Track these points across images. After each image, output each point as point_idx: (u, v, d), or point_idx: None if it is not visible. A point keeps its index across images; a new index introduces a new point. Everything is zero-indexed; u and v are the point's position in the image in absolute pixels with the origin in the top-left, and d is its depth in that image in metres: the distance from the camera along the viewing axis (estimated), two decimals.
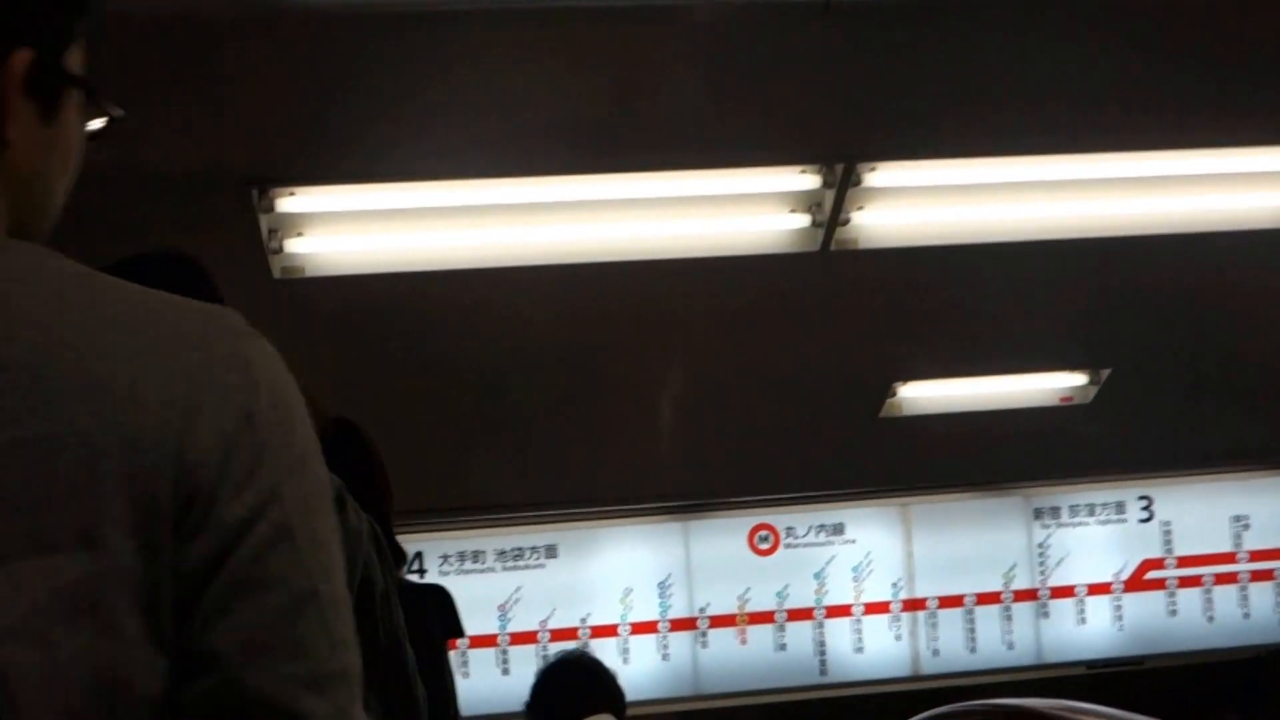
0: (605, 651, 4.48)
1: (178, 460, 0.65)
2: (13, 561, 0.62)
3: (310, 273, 3.19)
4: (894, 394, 4.14)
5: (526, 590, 4.51)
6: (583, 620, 4.53)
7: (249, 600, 0.66)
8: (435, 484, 3.91)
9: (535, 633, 4.50)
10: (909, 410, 4.20)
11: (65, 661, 0.62)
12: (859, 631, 4.66)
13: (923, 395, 4.21)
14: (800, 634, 4.63)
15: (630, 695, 4.51)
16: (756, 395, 3.96)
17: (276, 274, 3.17)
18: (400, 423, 3.46)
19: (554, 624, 4.51)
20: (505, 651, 4.49)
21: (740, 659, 4.59)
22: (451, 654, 4.48)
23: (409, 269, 3.27)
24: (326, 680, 0.67)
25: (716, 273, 3.46)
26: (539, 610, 4.51)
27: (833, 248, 3.37)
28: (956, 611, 4.72)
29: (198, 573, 0.65)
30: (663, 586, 4.57)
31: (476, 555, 4.50)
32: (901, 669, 4.68)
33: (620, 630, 4.54)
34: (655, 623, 4.57)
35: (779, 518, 4.65)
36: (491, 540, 4.51)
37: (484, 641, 4.48)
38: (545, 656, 4.49)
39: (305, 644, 0.66)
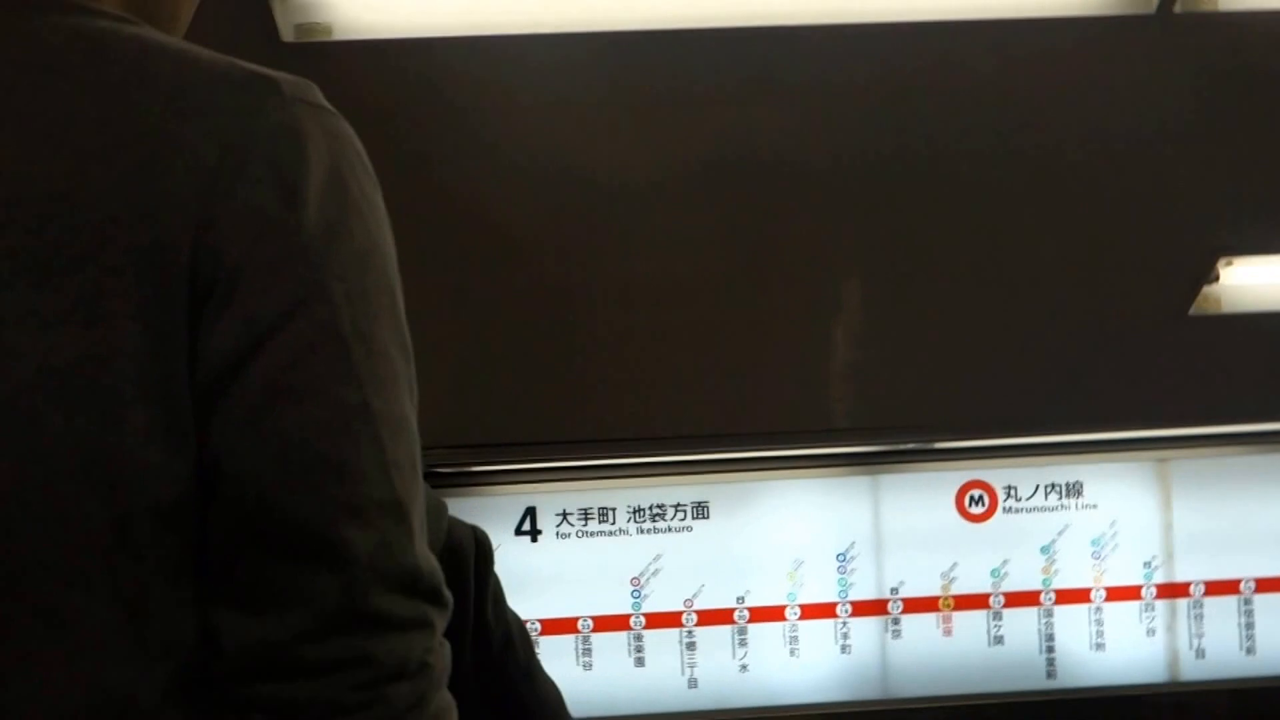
0: (766, 640, 3.48)
1: (197, 237, 0.59)
2: (6, 330, 0.58)
3: (338, 35, 2.03)
4: (1215, 277, 2.79)
5: (668, 559, 3.51)
6: (739, 600, 3.52)
7: (284, 410, 0.60)
8: (540, 409, 2.91)
9: (679, 614, 3.51)
10: (1232, 305, 2.84)
11: (51, 444, 0.57)
12: (1099, 623, 3.56)
13: (1257, 283, 2.77)
14: (1022, 624, 3.56)
15: (798, 696, 3.50)
16: (988, 285, 2.85)
17: (287, 36, 2.03)
18: (474, 306, 2.47)
19: (702, 603, 3.51)
20: (640, 637, 3.51)
21: (942, 654, 3.54)
22: (572, 639, 3.53)
23: (496, 31, 2.08)
24: (374, 508, 0.61)
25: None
26: (683, 585, 3.51)
27: (1178, 8, 2.20)
28: (1229, 600, 3.58)
29: (220, 372, 0.60)
30: (843, 559, 3.53)
31: (604, 514, 3.51)
32: (1155, 672, 3.58)
33: (788, 613, 3.53)
34: (833, 605, 3.54)
35: (997, 473, 3.56)
36: (624, 494, 3.51)
37: (613, 623, 3.51)
38: (690, 642, 3.50)
39: (349, 464, 0.61)
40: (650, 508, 3.51)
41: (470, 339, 2.81)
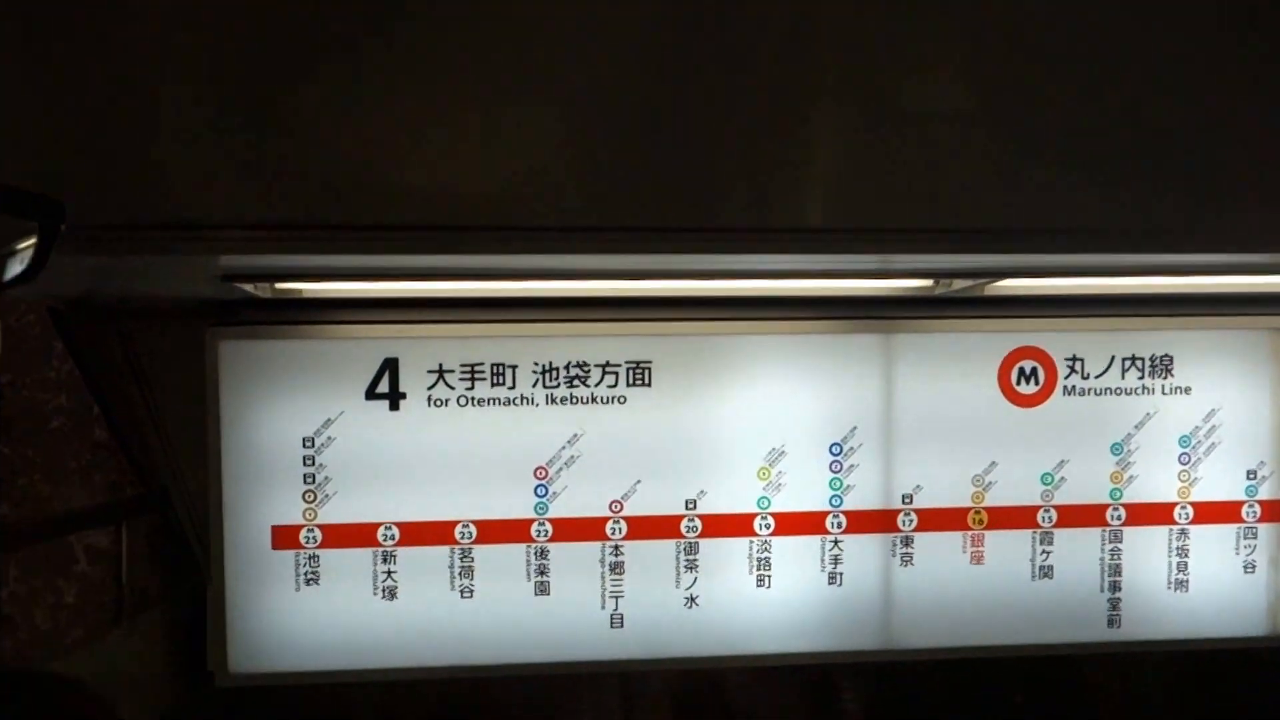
0: (725, 564, 2.44)
1: None
2: None
3: None
4: None
5: (589, 443, 2.43)
6: (689, 504, 2.45)
7: None
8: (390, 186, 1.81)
9: (601, 522, 2.44)
10: None
11: None
12: (1182, 553, 2.57)
13: None
14: (1079, 551, 2.55)
15: (767, 644, 2.46)
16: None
17: None
18: None
19: (636, 507, 2.44)
20: (544, 553, 2.44)
21: (968, 589, 2.52)
22: (445, 554, 2.43)
23: None
24: None
25: None
26: (609, 481, 2.44)
27: None
28: None
29: None
30: (838, 451, 2.48)
31: (498, 373, 2.41)
32: (1252, 622, 2.59)
33: (757, 526, 2.47)
34: (821, 515, 2.49)
35: (1056, 338, 2.52)
36: (528, 345, 2.42)
37: (506, 532, 2.42)
38: (616, 563, 2.43)
39: None
40: (567, 367, 2.42)
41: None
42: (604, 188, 1.66)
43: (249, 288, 2.09)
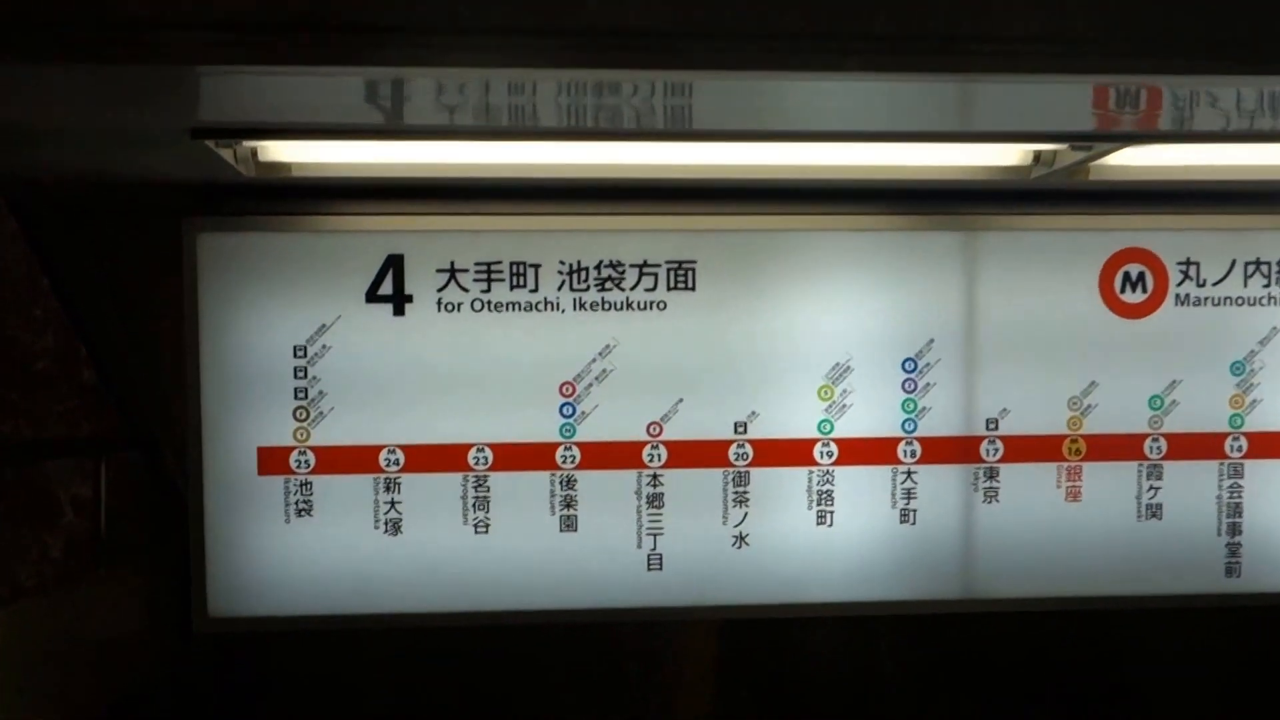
0: (781, 497, 2.10)
1: None
2: None
3: None
4: None
5: (624, 355, 2.10)
6: (739, 428, 2.12)
7: None
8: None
9: (637, 447, 2.10)
10: None
11: None
12: None
13: None
14: (1193, 487, 2.19)
15: (827, 591, 2.13)
16: None
17: None
18: None
19: (677, 430, 2.11)
20: (571, 482, 2.11)
21: (1062, 529, 2.17)
22: (457, 481, 2.10)
23: None
24: None
25: None
26: (647, 399, 2.11)
27: None
28: None
29: None
30: (913, 368, 2.14)
31: (518, 273, 2.09)
32: None
33: (818, 454, 2.13)
34: (893, 443, 2.15)
35: (1169, 238, 2.17)
36: (553, 241, 2.08)
37: (528, 457, 2.10)
38: (653, 495, 2.10)
39: None
40: (598, 267, 2.09)
41: None
42: None
43: (228, 156, 1.77)
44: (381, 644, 2.21)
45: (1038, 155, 1.89)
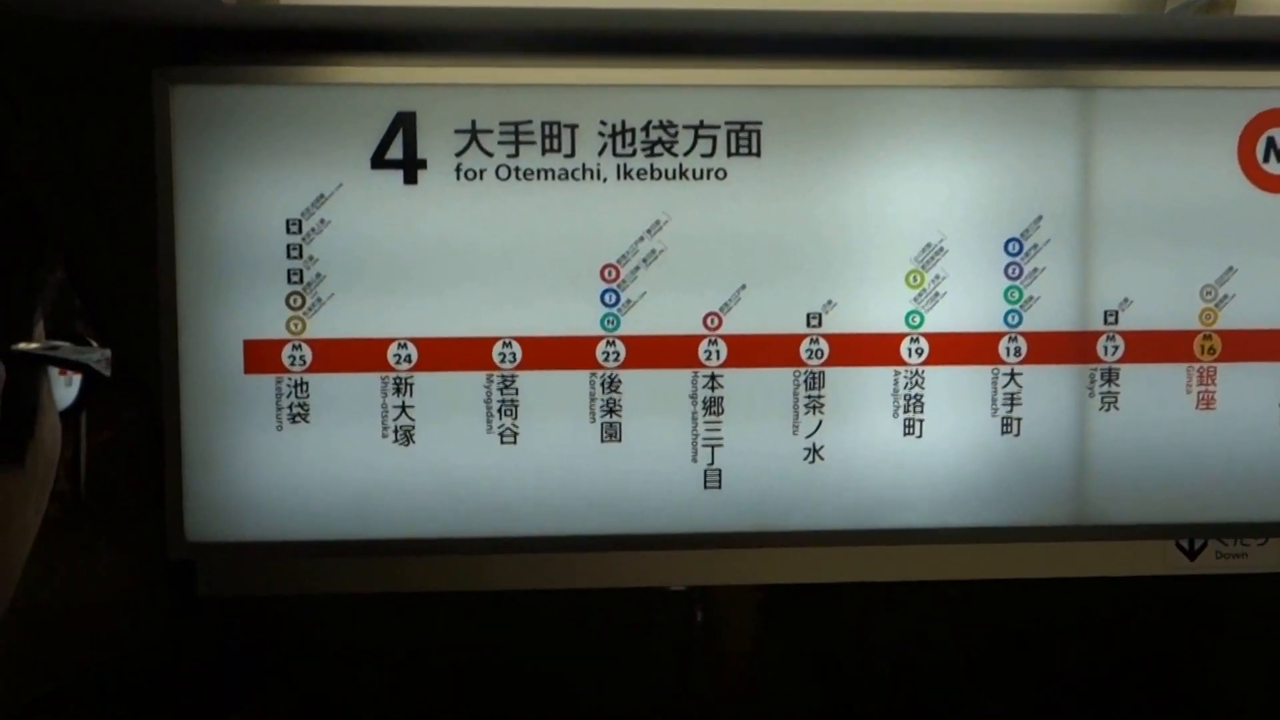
0: (861, 400, 1.79)
1: None
2: None
3: None
4: None
5: (676, 231, 1.77)
6: (812, 320, 1.79)
7: None
8: None
9: (693, 341, 1.78)
10: None
11: None
12: None
13: None
14: None
15: (916, 515, 1.77)
16: None
17: None
18: None
19: (740, 321, 1.78)
20: (614, 382, 1.79)
21: (1192, 442, 1.84)
22: (480, 381, 1.77)
23: None
24: None
25: None
26: (705, 284, 1.78)
27: None
28: None
29: None
30: (1017, 249, 1.81)
31: (551, 133, 1.76)
32: None
33: (906, 351, 1.81)
34: (994, 337, 1.82)
35: None
36: (591, 97, 1.76)
37: (564, 353, 1.77)
38: (711, 399, 1.78)
39: None
40: (646, 129, 1.76)
41: None
42: None
43: None
44: (390, 568, 1.89)
45: None
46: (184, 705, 1.92)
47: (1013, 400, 1.82)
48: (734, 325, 1.78)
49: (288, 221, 1.73)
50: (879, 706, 2.11)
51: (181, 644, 1.96)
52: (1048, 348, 1.82)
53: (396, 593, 1.93)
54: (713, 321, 1.78)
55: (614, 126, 1.75)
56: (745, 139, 1.76)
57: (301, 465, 1.76)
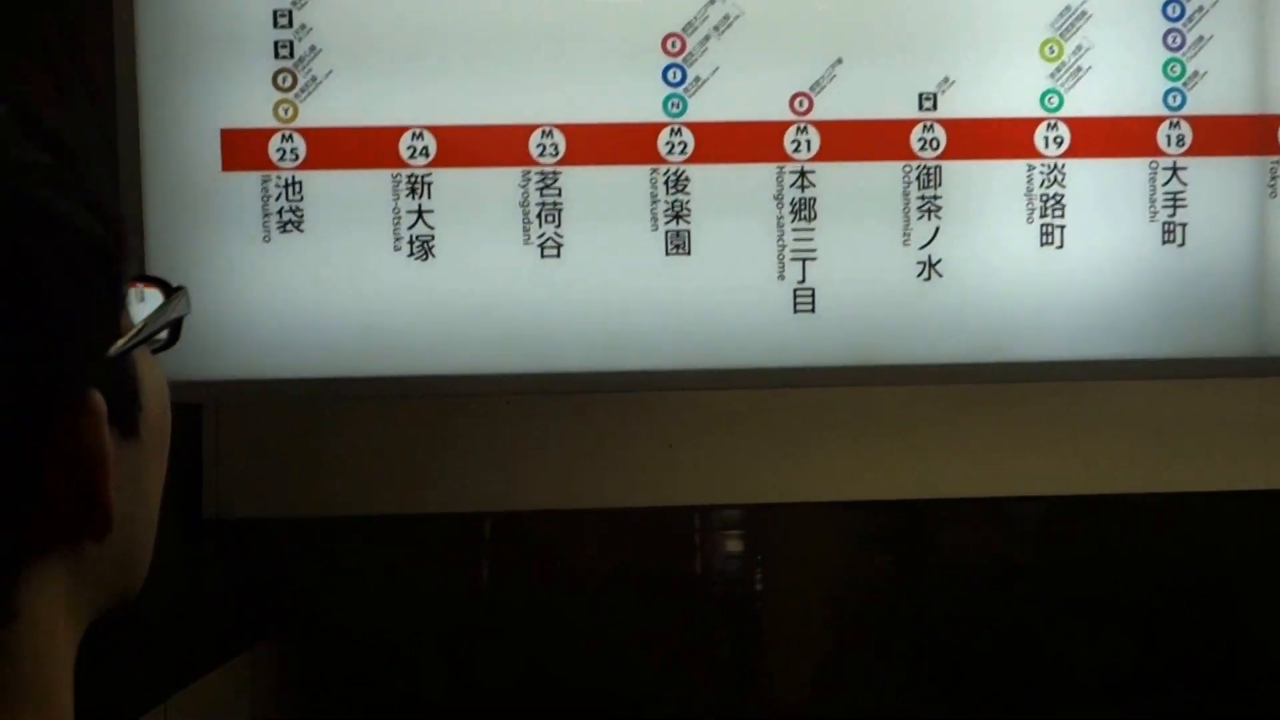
0: (986, 205, 1.43)
1: None
2: None
3: None
4: None
5: None
6: (925, 100, 1.45)
7: None
8: None
9: (778, 128, 1.44)
10: None
11: None
12: None
13: None
14: None
15: (1058, 345, 1.40)
16: None
17: None
18: None
19: (831, 105, 1.44)
20: (681, 179, 1.44)
21: None
22: (515, 177, 1.45)
23: None
24: None
25: None
26: (790, 58, 1.44)
27: None
28: None
29: None
30: (1183, 11, 1.46)
31: None
32: None
33: (1041, 140, 1.46)
34: (1154, 122, 1.47)
35: None
36: None
37: (618, 144, 1.43)
38: (801, 201, 1.44)
39: None
40: None
41: None
42: None
43: None
44: (405, 415, 1.56)
45: None
46: (197, 637, 1.60)
47: (1175, 201, 1.47)
48: (828, 109, 1.44)
49: None
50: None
51: (193, 573, 1.63)
52: (1218, 135, 1.47)
53: (424, 515, 1.60)
54: (801, 104, 1.44)
55: None
56: None
57: (294, 283, 1.42)
